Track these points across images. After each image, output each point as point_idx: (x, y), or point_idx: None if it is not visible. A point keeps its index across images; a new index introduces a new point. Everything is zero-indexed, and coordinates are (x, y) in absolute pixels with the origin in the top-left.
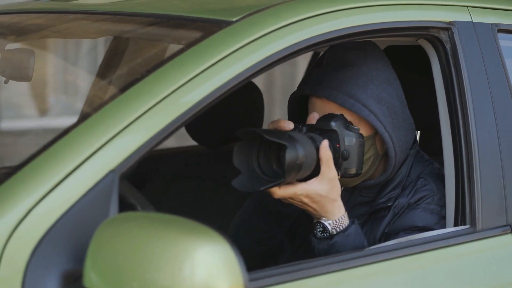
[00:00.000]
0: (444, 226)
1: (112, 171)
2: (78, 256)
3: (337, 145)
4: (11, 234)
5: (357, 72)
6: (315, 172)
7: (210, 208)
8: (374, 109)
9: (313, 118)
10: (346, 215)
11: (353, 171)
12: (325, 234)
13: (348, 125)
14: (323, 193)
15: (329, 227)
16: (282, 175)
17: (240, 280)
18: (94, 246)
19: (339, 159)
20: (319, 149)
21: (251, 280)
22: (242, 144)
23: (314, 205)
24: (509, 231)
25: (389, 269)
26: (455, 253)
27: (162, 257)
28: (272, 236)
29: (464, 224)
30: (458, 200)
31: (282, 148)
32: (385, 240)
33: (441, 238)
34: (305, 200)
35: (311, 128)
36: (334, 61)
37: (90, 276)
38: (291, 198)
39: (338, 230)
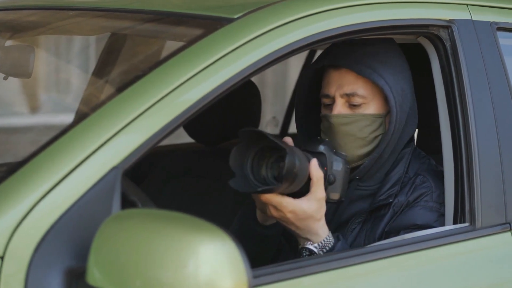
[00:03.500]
0: (443, 223)
1: (115, 168)
2: (81, 253)
3: (325, 168)
4: (14, 231)
5: (377, 49)
6: (304, 188)
7: (207, 206)
8: (390, 82)
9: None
10: (330, 234)
11: (336, 196)
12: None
13: (335, 150)
14: (309, 211)
15: (316, 250)
16: (275, 184)
17: (244, 277)
18: (97, 243)
19: (324, 182)
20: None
21: (255, 277)
22: (239, 147)
23: (297, 223)
24: (509, 229)
25: (387, 267)
26: (454, 251)
27: (166, 254)
28: (269, 237)
29: (464, 222)
30: (457, 198)
31: (280, 156)
32: (385, 239)
33: (440, 236)
34: (289, 215)
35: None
36: (353, 40)
37: (94, 273)
38: (275, 208)
39: (325, 250)
